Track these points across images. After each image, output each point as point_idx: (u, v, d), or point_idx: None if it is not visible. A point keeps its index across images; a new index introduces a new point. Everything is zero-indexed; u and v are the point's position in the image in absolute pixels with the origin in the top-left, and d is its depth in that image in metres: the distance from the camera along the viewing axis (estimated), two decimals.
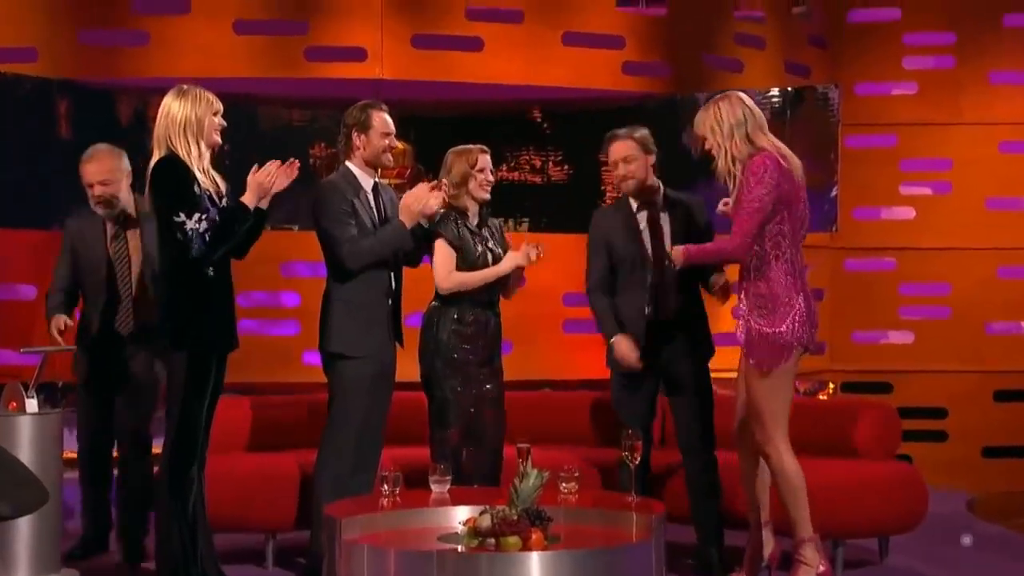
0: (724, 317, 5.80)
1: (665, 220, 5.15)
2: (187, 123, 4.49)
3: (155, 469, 4.91)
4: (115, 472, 5.48)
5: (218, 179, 4.60)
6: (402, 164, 7.66)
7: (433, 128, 7.71)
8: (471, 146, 5.13)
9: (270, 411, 5.82)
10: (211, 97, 4.57)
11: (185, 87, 4.57)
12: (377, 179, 5.03)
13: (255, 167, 4.56)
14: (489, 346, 5.08)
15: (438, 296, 5.08)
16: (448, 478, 4.41)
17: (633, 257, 5.14)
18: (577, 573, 3.68)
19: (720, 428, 5.15)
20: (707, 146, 4.59)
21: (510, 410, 5.15)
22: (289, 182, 4.59)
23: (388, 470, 4.41)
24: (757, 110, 4.59)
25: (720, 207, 4.78)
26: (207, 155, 4.55)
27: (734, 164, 4.51)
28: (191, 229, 4.40)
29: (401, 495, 4.32)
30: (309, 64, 7.10)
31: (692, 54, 7.70)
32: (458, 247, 5.01)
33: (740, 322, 4.60)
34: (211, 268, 4.50)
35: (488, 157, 5.13)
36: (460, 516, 4.04)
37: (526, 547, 3.68)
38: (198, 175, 4.49)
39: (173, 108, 4.51)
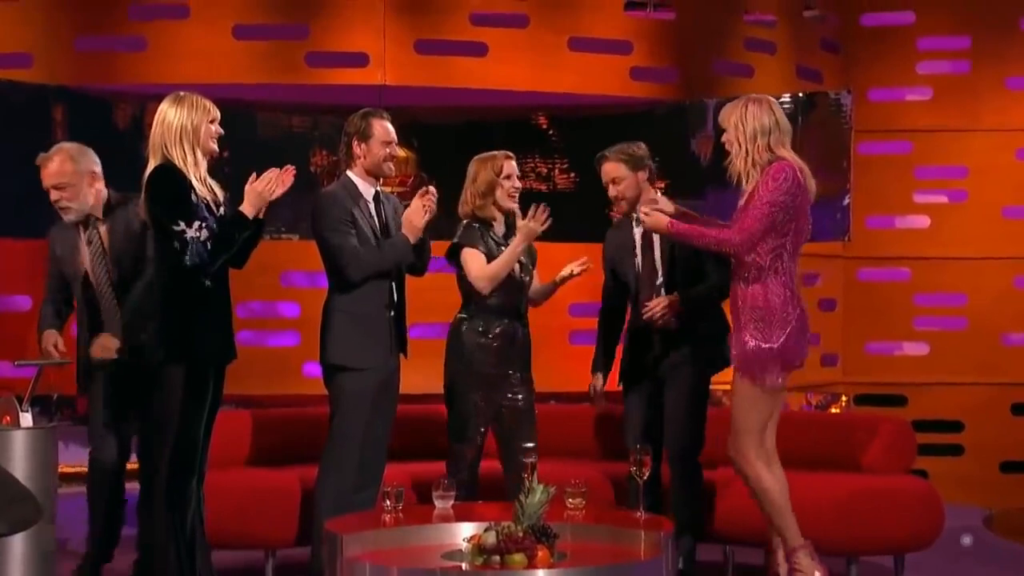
0: None
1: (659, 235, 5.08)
2: (183, 131, 4.50)
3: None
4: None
5: (215, 187, 4.60)
6: (404, 172, 7.67)
7: (436, 135, 7.73)
8: (495, 152, 5.10)
9: (271, 424, 5.81)
10: (208, 104, 4.57)
11: (182, 94, 4.57)
12: (379, 188, 5.03)
13: (253, 176, 4.57)
14: (517, 357, 5.06)
15: (464, 306, 5.08)
16: (452, 493, 4.41)
17: (632, 274, 5.20)
18: None
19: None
20: (724, 139, 4.60)
21: None
22: (286, 190, 4.60)
23: (391, 485, 4.41)
24: (785, 121, 4.60)
25: (642, 215, 4.75)
26: (204, 163, 4.55)
27: (753, 167, 4.53)
28: (191, 238, 4.41)
29: (404, 511, 4.32)
30: (310, 70, 7.12)
31: (701, 59, 7.71)
32: (487, 256, 4.99)
33: (732, 335, 4.62)
34: (208, 278, 4.50)
35: (514, 163, 5.11)
36: (464, 533, 4.04)
37: (532, 564, 3.67)
38: (195, 183, 4.49)
39: (169, 115, 4.51)
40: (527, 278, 5.16)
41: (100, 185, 5.20)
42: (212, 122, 4.56)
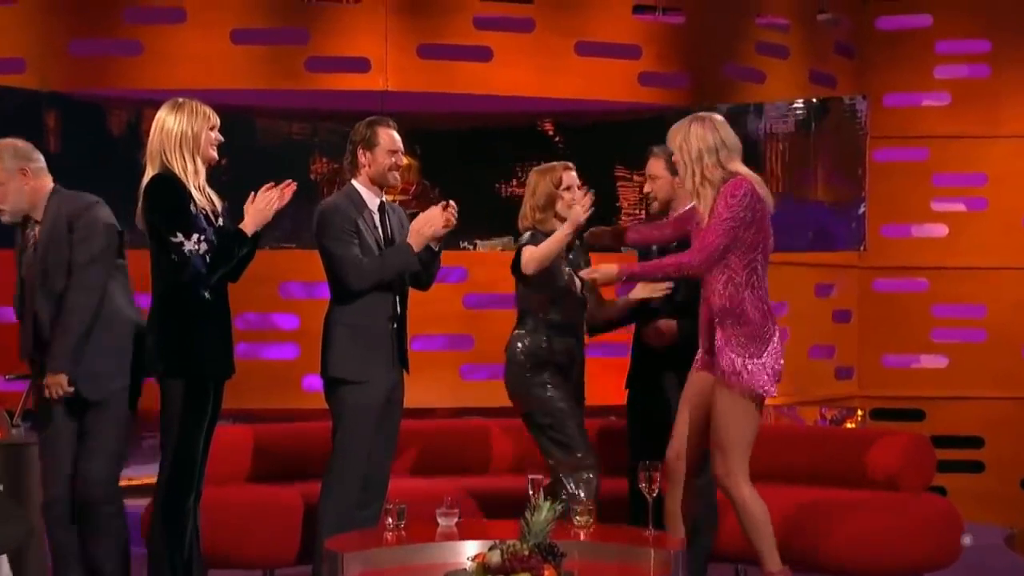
0: None
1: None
2: (183, 138, 4.51)
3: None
4: None
5: (214, 197, 4.61)
6: (407, 179, 7.67)
7: (440, 142, 7.74)
8: (554, 164, 5.12)
9: (271, 439, 5.81)
10: (208, 110, 4.58)
11: (180, 100, 4.58)
12: (384, 198, 5.04)
13: (252, 195, 4.58)
14: (577, 381, 5.07)
15: (520, 322, 5.07)
16: (456, 511, 4.40)
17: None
18: None
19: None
20: (674, 159, 4.69)
21: (520, 440, 5.14)
22: (284, 204, 4.62)
23: (392, 502, 4.40)
24: (732, 137, 4.66)
25: (587, 276, 4.79)
26: (203, 171, 4.56)
27: (703, 186, 4.58)
28: (190, 251, 4.41)
29: (407, 529, 4.31)
30: (310, 75, 7.12)
31: (712, 64, 7.71)
32: (546, 269, 4.98)
33: (710, 357, 4.62)
34: (207, 291, 4.51)
35: (574, 174, 5.11)
36: (468, 551, 4.02)
37: None
38: (194, 192, 4.50)
39: (168, 122, 4.52)
40: (589, 295, 5.16)
41: (38, 183, 4.71)
42: (212, 129, 4.57)
